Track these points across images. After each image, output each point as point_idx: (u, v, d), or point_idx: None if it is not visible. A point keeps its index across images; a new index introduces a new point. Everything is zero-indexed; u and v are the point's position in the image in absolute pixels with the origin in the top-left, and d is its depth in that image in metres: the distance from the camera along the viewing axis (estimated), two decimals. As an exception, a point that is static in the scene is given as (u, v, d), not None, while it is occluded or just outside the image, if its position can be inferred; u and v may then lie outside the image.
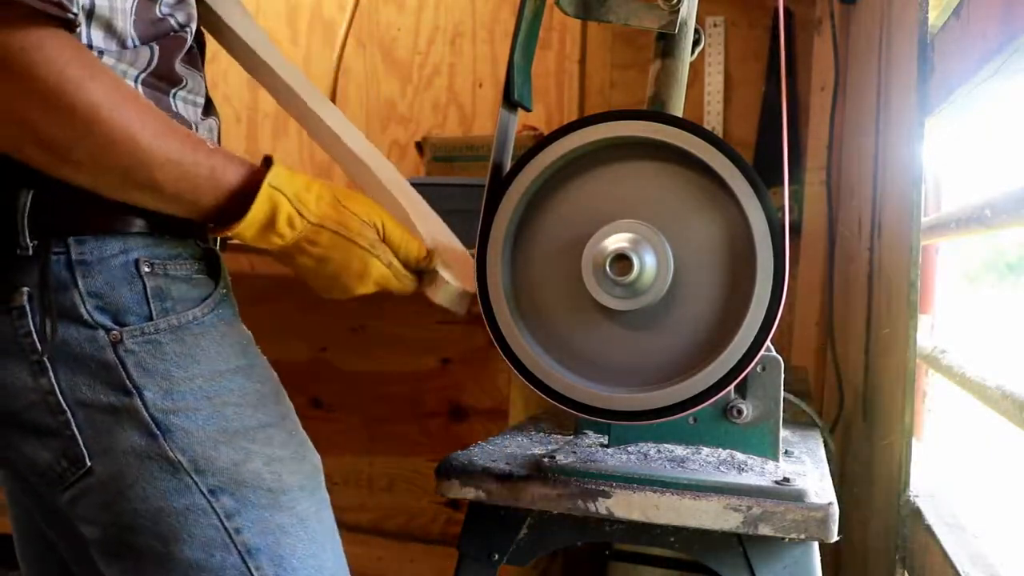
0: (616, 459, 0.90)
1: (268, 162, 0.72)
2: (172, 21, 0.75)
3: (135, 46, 0.71)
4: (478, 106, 2.20)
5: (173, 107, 0.76)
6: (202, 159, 0.68)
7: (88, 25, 0.67)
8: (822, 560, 0.83)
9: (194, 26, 0.78)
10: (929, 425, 1.50)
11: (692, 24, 0.92)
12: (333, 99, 1.00)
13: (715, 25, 1.94)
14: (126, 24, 0.69)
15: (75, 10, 0.61)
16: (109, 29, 0.69)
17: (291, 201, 0.71)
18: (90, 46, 0.67)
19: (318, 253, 0.74)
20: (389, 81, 2.25)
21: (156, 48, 0.72)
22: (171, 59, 0.75)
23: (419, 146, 2.16)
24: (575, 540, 0.89)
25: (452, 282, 0.85)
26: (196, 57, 0.81)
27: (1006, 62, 0.89)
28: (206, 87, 0.82)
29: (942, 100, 1.13)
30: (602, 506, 0.84)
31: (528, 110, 0.89)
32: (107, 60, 0.68)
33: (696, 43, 0.96)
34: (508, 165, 0.86)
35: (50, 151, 0.63)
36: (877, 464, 1.31)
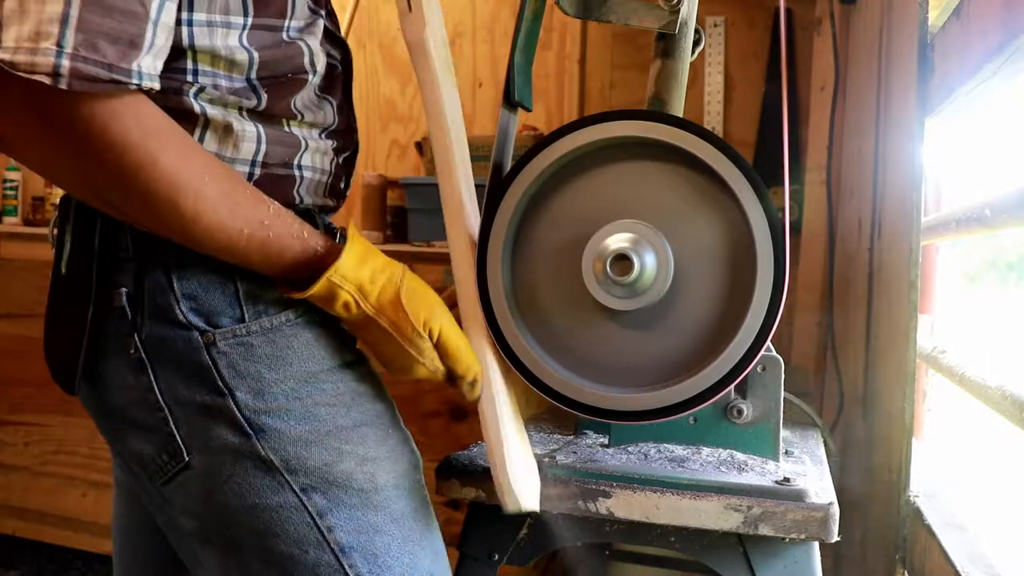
0: (616, 459, 0.90)
1: (344, 238, 0.73)
2: (303, 54, 0.76)
3: (247, 84, 0.73)
4: (478, 106, 2.20)
5: (285, 127, 0.77)
6: (268, 236, 0.69)
7: (194, 60, 0.69)
8: (822, 560, 0.83)
9: (323, 63, 0.78)
10: (929, 425, 1.49)
11: (692, 24, 0.92)
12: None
13: (715, 25, 1.94)
14: (232, 53, 0.71)
15: (135, 80, 0.61)
16: (214, 58, 0.70)
17: (351, 292, 0.72)
18: (196, 76, 0.70)
19: (369, 340, 0.76)
20: (389, 81, 2.25)
21: (264, 94, 0.73)
22: (285, 100, 0.76)
23: (419, 146, 2.16)
24: (575, 540, 0.89)
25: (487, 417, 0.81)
26: (330, 84, 0.81)
27: (1006, 62, 0.89)
28: (338, 111, 0.83)
29: (942, 100, 1.13)
30: (602, 506, 0.84)
31: (528, 110, 0.89)
32: (207, 94, 0.70)
33: (696, 43, 0.96)
34: (508, 165, 0.86)
35: (120, 214, 0.68)
36: (877, 464, 1.31)
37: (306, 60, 0.76)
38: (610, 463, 0.88)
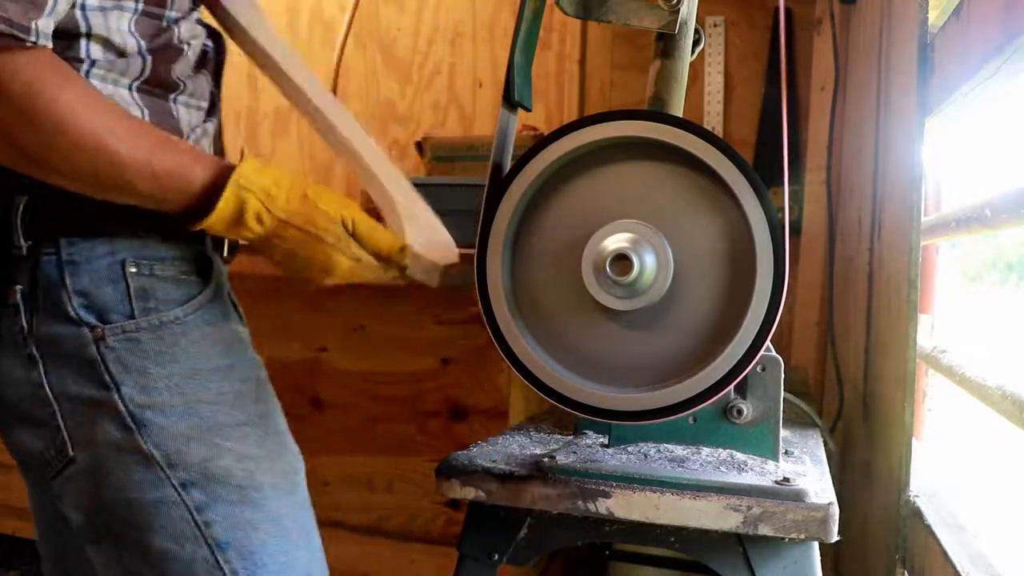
0: (616, 459, 0.90)
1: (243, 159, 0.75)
2: (175, 32, 0.78)
3: (127, 57, 0.74)
4: (478, 106, 2.20)
5: (173, 111, 0.79)
6: (169, 159, 0.70)
7: (88, 40, 0.71)
8: (822, 560, 0.83)
9: (198, 41, 0.82)
10: (929, 425, 1.49)
11: (692, 24, 0.92)
12: (333, 98, 0.99)
13: (715, 25, 1.94)
14: (124, 40, 0.73)
15: (32, 37, 0.63)
16: (107, 44, 0.72)
17: (259, 198, 0.73)
18: (89, 58, 0.71)
19: (285, 248, 0.77)
20: (389, 81, 2.25)
21: (149, 58, 0.76)
22: (167, 68, 0.78)
23: (419, 146, 2.16)
24: (575, 540, 0.89)
25: (425, 261, 0.87)
26: (204, 62, 0.84)
27: (1006, 62, 0.89)
28: (212, 91, 0.85)
29: (942, 100, 1.13)
30: (602, 506, 0.84)
31: (528, 110, 0.89)
32: (97, 70, 0.72)
33: (696, 43, 0.96)
34: (508, 165, 0.86)
35: (27, 158, 0.68)
36: (877, 464, 1.31)
37: (176, 37, 0.78)
38: (610, 463, 0.88)
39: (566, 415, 0.91)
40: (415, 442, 2.05)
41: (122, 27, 0.73)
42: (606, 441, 0.96)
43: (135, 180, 0.69)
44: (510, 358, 0.82)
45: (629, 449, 0.93)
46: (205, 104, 0.84)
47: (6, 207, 0.72)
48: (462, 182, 1.76)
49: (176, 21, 0.78)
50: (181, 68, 0.80)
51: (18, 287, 0.73)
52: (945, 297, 1.51)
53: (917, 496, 1.18)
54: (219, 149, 0.91)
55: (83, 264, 0.73)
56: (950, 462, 1.39)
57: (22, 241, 0.73)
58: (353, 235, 0.79)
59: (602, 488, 0.84)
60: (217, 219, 0.72)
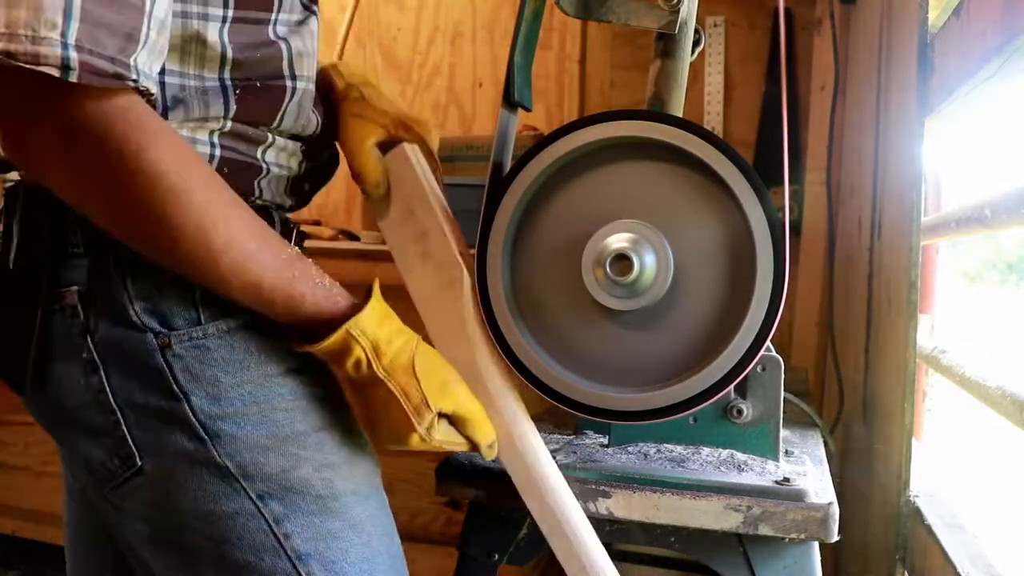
0: (616, 459, 0.90)
1: (368, 295, 0.71)
2: (283, 48, 0.71)
3: (219, 85, 0.68)
4: (478, 106, 2.20)
5: (259, 158, 0.73)
6: (281, 288, 0.67)
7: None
8: (822, 560, 0.83)
9: (308, 68, 0.74)
10: (929, 425, 1.50)
11: (692, 24, 0.92)
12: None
13: (715, 25, 1.94)
14: (205, 48, 0.66)
15: (134, 76, 0.56)
16: (184, 59, 0.66)
17: (366, 350, 0.70)
18: (163, 91, 0.65)
19: (369, 402, 0.74)
20: (389, 81, 2.24)
21: (233, 103, 0.69)
22: (259, 113, 0.72)
23: (419, 146, 2.16)
24: (575, 540, 0.89)
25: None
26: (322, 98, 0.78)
27: (1006, 62, 0.89)
28: (319, 125, 0.79)
29: (942, 100, 1.13)
30: (602, 506, 0.84)
31: (528, 110, 0.89)
32: (176, 113, 0.66)
33: (696, 43, 0.96)
34: (508, 165, 0.86)
35: (141, 244, 0.64)
36: (877, 464, 1.31)
37: (284, 63, 0.72)
38: (610, 463, 0.88)
39: (566, 415, 0.91)
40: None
41: (209, 38, 0.65)
42: (606, 441, 0.96)
43: (249, 287, 0.66)
44: (510, 358, 0.82)
45: (629, 449, 0.93)
46: (307, 134, 0.77)
47: (64, 206, 0.67)
48: (462, 182, 1.76)
49: (286, 35, 0.70)
50: (290, 111, 0.73)
51: (75, 288, 0.68)
52: (945, 297, 1.51)
53: (917, 496, 1.18)
54: (318, 178, 0.84)
55: (146, 266, 0.68)
56: (950, 462, 1.39)
57: (80, 240, 0.68)
58: (452, 416, 0.75)
59: (602, 488, 0.84)
60: (318, 351, 0.70)
